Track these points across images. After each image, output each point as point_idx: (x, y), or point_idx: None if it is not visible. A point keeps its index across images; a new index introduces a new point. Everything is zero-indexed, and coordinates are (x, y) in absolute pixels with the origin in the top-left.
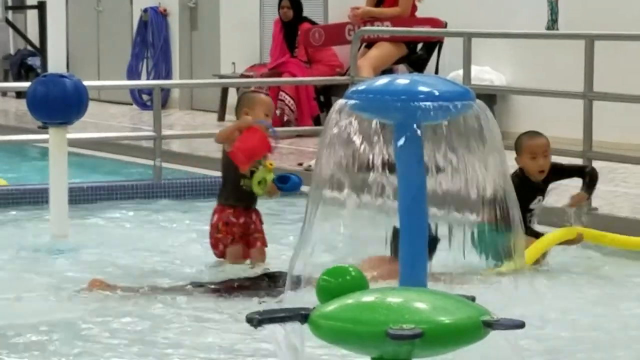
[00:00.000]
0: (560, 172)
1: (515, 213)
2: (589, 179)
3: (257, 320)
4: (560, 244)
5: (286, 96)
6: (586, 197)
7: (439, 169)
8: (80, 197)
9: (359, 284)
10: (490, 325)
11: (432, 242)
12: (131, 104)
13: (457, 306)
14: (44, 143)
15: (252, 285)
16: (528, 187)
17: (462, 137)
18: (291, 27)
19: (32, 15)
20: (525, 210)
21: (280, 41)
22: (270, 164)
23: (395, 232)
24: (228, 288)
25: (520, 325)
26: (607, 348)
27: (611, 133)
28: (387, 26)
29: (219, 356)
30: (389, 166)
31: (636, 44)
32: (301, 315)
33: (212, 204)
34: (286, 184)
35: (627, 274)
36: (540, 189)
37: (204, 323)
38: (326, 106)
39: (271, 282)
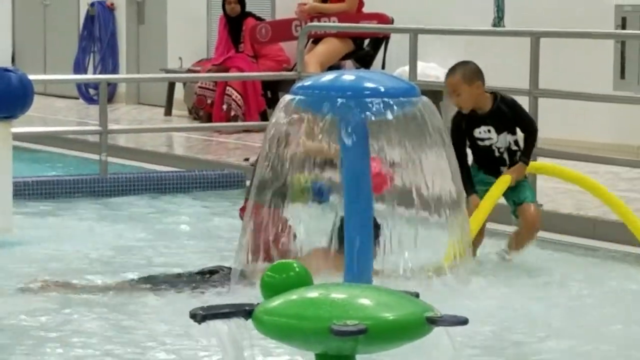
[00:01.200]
0: (511, 108)
1: (462, 203)
2: (529, 141)
3: (200, 316)
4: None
5: (233, 91)
6: (524, 168)
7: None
8: (25, 191)
9: (303, 280)
10: (433, 321)
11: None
12: (78, 98)
13: (401, 302)
14: None
15: (197, 280)
16: (462, 118)
17: (407, 132)
18: (235, 23)
19: None
20: (475, 142)
21: (225, 37)
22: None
23: (340, 226)
24: (174, 283)
25: (464, 321)
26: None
27: (556, 130)
28: (334, 22)
29: (163, 352)
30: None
31: (582, 42)
32: (245, 311)
33: (158, 198)
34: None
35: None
36: (482, 119)
37: (150, 319)
38: (273, 101)
39: (215, 277)
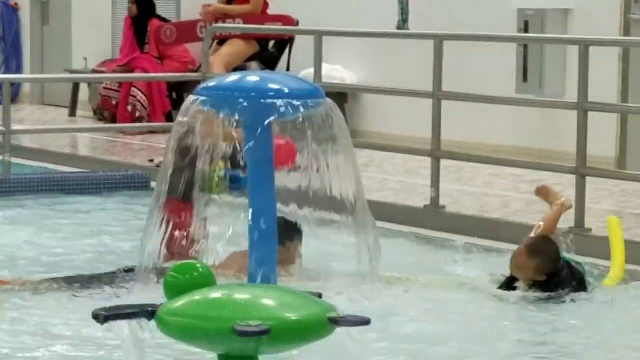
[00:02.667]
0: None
1: (366, 211)
2: None
3: (103, 317)
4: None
5: (138, 92)
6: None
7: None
8: None
9: (207, 281)
10: (336, 322)
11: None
12: None
13: (304, 303)
14: None
15: (108, 279)
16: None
17: (311, 134)
18: (140, 24)
19: None
20: None
21: (130, 38)
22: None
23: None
24: (82, 283)
25: (366, 322)
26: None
27: (460, 132)
28: (239, 23)
29: (70, 352)
30: (238, 162)
31: (485, 45)
32: (148, 312)
33: (63, 199)
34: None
35: None
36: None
37: (55, 319)
38: (179, 102)
39: (127, 276)
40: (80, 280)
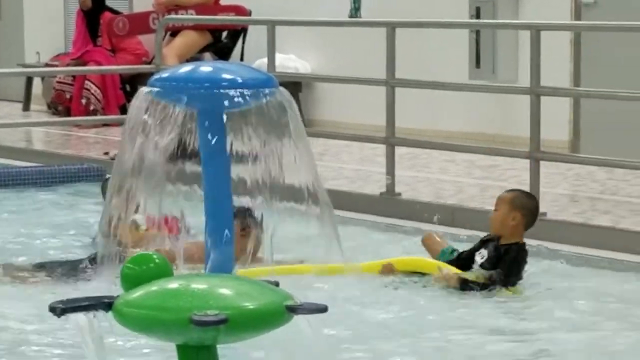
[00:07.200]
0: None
1: (324, 200)
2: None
3: (60, 310)
4: None
5: (92, 85)
6: (455, 283)
7: (242, 157)
8: None
9: (164, 271)
10: (293, 310)
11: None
12: None
13: (261, 291)
14: None
15: (72, 270)
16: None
17: (264, 124)
18: (92, 17)
19: None
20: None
21: (83, 31)
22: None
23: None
24: (47, 272)
25: (323, 309)
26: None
27: (414, 119)
28: (191, 14)
29: (22, 345)
30: (192, 153)
31: (438, 31)
32: (105, 304)
33: (18, 193)
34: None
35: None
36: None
37: (13, 311)
38: (132, 95)
39: (92, 266)
40: (40, 271)
